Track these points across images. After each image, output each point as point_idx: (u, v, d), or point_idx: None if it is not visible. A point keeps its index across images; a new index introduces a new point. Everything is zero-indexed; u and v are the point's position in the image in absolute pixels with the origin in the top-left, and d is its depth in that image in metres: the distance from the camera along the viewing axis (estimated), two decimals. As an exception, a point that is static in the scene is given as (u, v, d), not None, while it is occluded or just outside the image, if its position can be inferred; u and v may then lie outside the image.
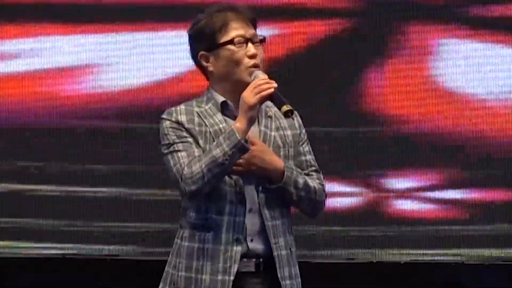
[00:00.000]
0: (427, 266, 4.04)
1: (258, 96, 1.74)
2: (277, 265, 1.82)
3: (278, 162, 1.81)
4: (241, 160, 1.77)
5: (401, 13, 3.90)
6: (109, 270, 4.05)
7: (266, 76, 1.78)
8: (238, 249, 1.80)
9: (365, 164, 3.97)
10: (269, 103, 1.87)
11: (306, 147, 1.98)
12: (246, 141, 1.75)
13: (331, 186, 3.70)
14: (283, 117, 1.86)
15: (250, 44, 1.82)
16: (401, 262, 3.98)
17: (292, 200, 1.88)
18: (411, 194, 3.99)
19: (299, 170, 1.87)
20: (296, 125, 1.95)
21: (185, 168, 1.77)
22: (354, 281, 4.05)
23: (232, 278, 1.80)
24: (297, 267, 1.91)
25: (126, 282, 3.99)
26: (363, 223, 3.96)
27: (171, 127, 1.85)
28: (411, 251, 3.97)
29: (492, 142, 3.90)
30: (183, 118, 1.86)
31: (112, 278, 4.01)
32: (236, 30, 1.83)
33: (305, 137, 1.93)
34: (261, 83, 1.76)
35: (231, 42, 1.83)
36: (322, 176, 1.94)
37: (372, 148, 3.96)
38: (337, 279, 3.94)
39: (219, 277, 1.79)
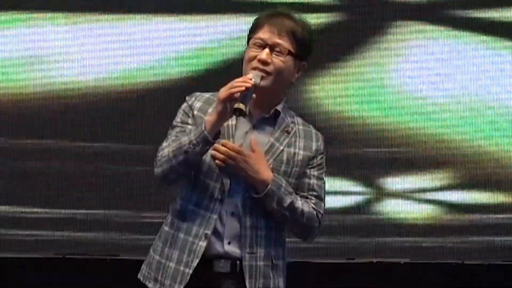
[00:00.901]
0: (427, 266, 4.04)
1: (227, 91, 1.75)
2: (247, 275, 1.82)
3: (266, 174, 1.80)
4: (231, 160, 1.78)
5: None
6: (109, 270, 4.06)
7: (252, 76, 1.79)
8: (203, 244, 1.81)
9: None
10: (298, 119, 1.90)
11: (315, 172, 1.95)
12: (218, 134, 1.77)
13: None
14: (303, 136, 1.87)
15: (266, 50, 1.82)
16: (401, 262, 3.98)
17: (276, 216, 1.86)
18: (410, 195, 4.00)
19: (290, 190, 1.84)
20: (313, 148, 1.93)
21: (160, 151, 1.82)
22: (354, 281, 4.05)
23: (190, 271, 1.82)
24: (280, 280, 1.89)
25: (126, 282, 3.99)
26: (364, 224, 3.97)
27: (183, 110, 1.93)
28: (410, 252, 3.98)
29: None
30: (197, 105, 1.91)
31: (112, 278, 4.02)
32: (262, 33, 1.85)
33: (319, 163, 1.91)
34: (237, 80, 1.78)
35: (251, 41, 1.88)
36: (322, 204, 1.91)
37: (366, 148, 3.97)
38: (337, 279, 3.94)
39: (181, 268, 1.82)
